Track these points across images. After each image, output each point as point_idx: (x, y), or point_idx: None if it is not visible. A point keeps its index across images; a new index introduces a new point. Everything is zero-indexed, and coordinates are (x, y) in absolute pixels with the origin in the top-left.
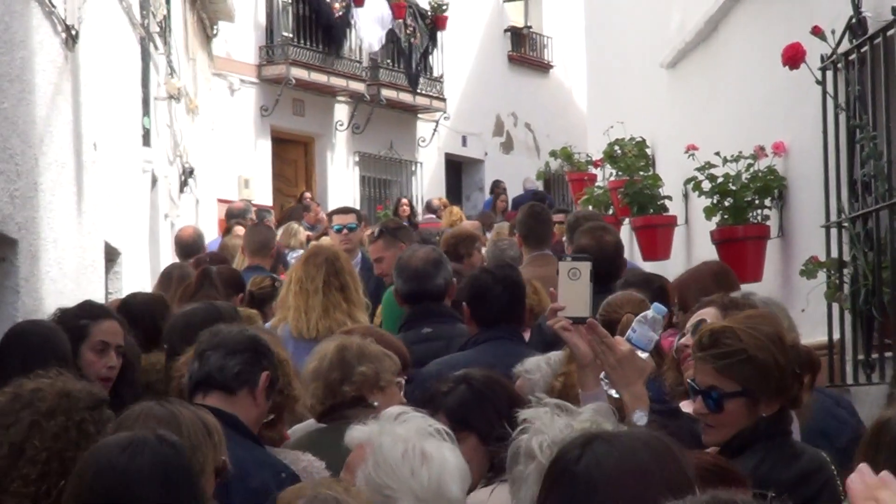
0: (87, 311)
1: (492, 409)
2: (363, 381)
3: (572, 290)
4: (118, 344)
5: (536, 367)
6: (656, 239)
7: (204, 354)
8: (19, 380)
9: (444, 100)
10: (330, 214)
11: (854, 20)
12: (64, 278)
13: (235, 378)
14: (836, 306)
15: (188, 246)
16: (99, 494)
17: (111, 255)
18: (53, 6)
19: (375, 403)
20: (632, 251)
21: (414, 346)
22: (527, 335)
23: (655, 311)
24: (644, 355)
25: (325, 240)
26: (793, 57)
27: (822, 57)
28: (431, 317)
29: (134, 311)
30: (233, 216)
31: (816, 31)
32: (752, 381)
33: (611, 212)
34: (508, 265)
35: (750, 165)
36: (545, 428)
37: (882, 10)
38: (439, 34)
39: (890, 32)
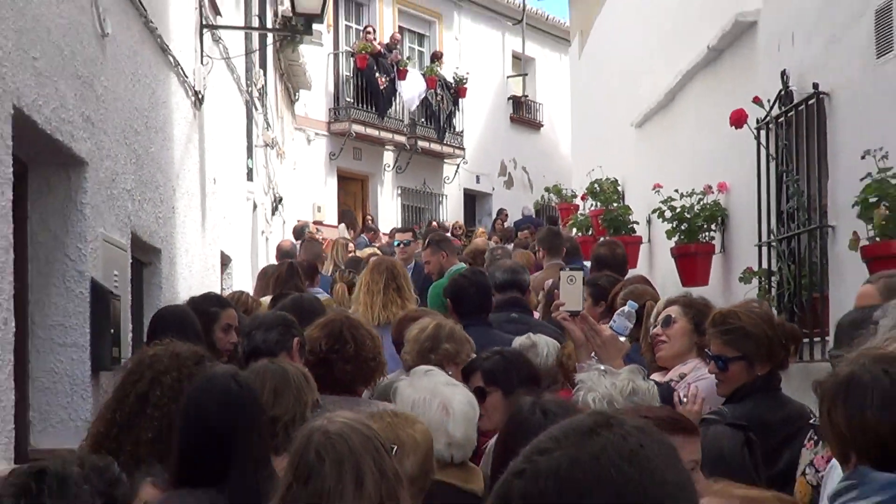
0: (216, 301)
1: (514, 373)
2: (445, 354)
3: (569, 291)
4: (236, 326)
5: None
6: (630, 252)
7: (250, 334)
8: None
9: (463, 149)
10: (392, 232)
11: (783, 92)
12: (192, 277)
13: (275, 346)
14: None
15: (286, 252)
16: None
17: (225, 261)
18: (186, 77)
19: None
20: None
21: (504, 325)
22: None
23: (630, 306)
24: (622, 339)
25: (367, 250)
26: (738, 119)
27: (757, 119)
28: (518, 305)
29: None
30: (298, 234)
31: (756, 101)
32: (748, 349)
33: (591, 233)
34: (479, 271)
35: (700, 199)
36: (596, 386)
37: (805, 85)
38: (460, 100)
39: (811, 101)
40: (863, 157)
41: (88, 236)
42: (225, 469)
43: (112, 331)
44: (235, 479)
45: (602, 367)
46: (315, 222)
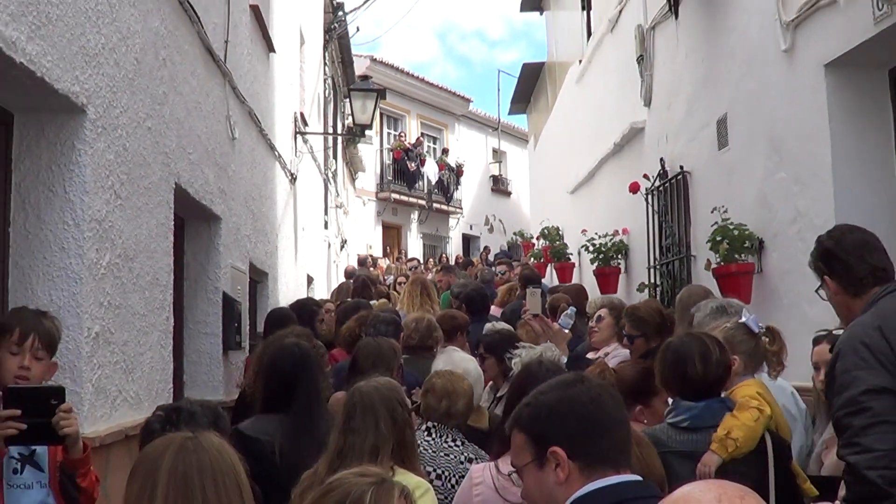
0: (315, 302)
1: (506, 344)
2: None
3: (533, 302)
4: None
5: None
6: (566, 274)
7: (375, 325)
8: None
9: (461, 208)
10: (438, 269)
11: (661, 171)
12: (288, 290)
13: (392, 335)
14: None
15: (349, 273)
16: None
17: (309, 280)
18: (285, 164)
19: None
20: (552, 279)
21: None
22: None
23: (571, 310)
24: (566, 331)
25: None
26: (634, 188)
27: (646, 188)
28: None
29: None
30: (360, 262)
31: (645, 176)
32: (646, 329)
33: (542, 260)
34: (482, 287)
35: (611, 239)
36: (524, 355)
37: (674, 166)
38: (460, 178)
39: (679, 177)
40: (711, 212)
41: (222, 265)
42: (290, 402)
43: (235, 325)
44: (297, 409)
45: (529, 345)
46: (369, 255)
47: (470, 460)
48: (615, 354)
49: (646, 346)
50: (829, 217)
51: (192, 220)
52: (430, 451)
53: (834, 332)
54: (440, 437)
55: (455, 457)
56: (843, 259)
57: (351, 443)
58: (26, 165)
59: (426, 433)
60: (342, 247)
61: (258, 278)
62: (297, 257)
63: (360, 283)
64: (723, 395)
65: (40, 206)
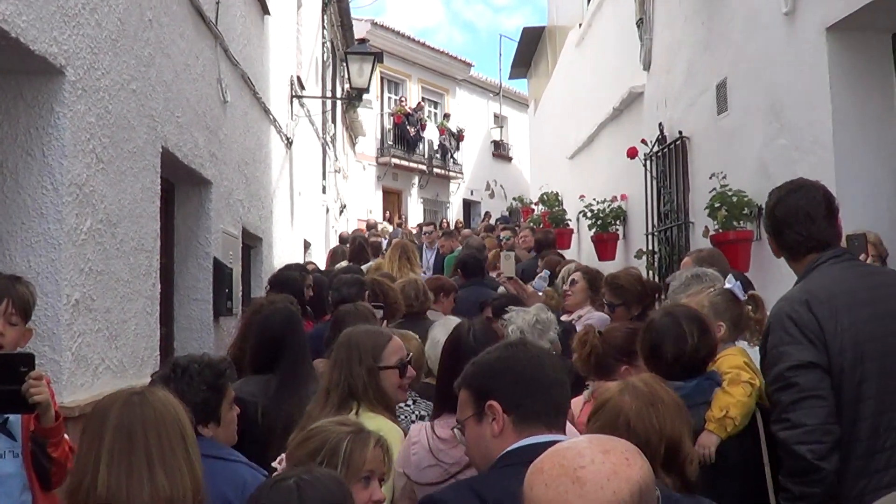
0: (304, 269)
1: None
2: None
3: (507, 264)
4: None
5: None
6: (563, 240)
7: (339, 288)
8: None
9: (462, 174)
10: (419, 225)
11: (659, 136)
12: (283, 256)
13: (355, 296)
14: (650, 272)
15: (343, 239)
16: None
17: (306, 245)
18: (281, 129)
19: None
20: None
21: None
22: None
23: (545, 273)
24: (540, 293)
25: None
26: (632, 153)
27: (644, 154)
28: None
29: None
30: (369, 227)
31: (643, 142)
32: (626, 297)
33: (541, 225)
34: (478, 252)
35: (609, 205)
36: (514, 319)
37: (673, 132)
38: (461, 143)
39: (677, 143)
40: (710, 178)
41: (213, 230)
42: (277, 363)
43: (227, 290)
44: (282, 369)
45: (522, 309)
46: (367, 220)
47: (422, 418)
48: (588, 317)
49: (626, 314)
50: (830, 184)
51: (181, 184)
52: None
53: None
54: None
55: (406, 416)
56: (776, 225)
57: (336, 379)
58: (3, 129)
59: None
60: (341, 212)
61: (252, 243)
62: (293, 222)
63: (357, 246)
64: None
65: (18, 170)
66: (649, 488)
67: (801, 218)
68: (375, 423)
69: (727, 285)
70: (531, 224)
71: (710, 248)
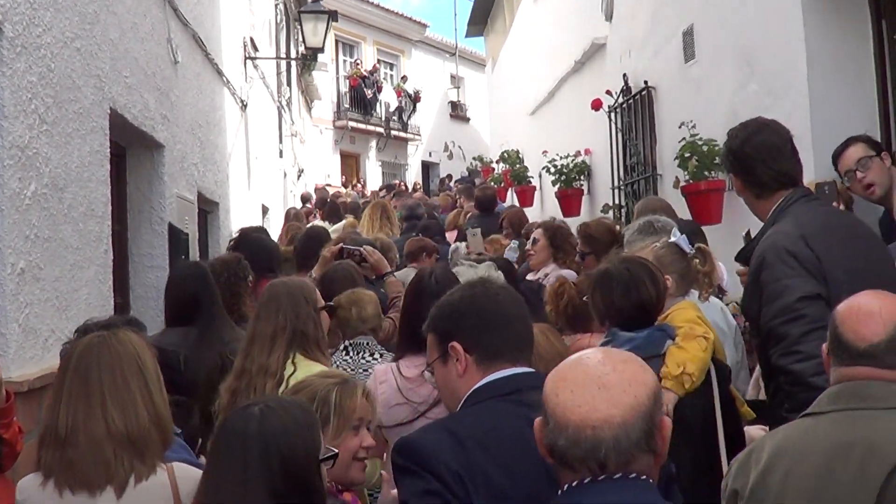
0: (263, 230)
1: None
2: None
3: (475, 241)
4: None
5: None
6: (526, 197)
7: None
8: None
9: (420, 135)
10: (379, 188)
11: (624, 87)
12: (241, 220)
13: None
14: (617, 226)
15: (304, 198)
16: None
17: (264, 211)
18: (235, 91)
19: None
20: (513, 200)
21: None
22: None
23: (514, 244)
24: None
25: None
26: (596, 105)
27: (608, 106)
28: None
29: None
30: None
31: (608, 93)
32: (596, 247)
33: (502, 184)
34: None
35: (573, 160)
36: (464, 273)
37: (638, 82)
38: (418, 104)
39: (643, 93)
40: (679, 127)
41: (166, 194)
42: (194, 315)
43: (183, 256)
44: (201, 320)
45: (471, 262)
46: (326, 184)
47: None
48: (553, 275)
49: (596, 263)
50: (806, 131)
51: (133, 147)
52: (349, 369)
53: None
54: (357, 354)
55: (372, 372)
56: (746, 161)
57: (259, 329)
58: None
59: (344, 352)
60: (299, 176)
61: (208, 208)
62: (250, 187)
63: (332, 206)
64: (658, 319)
65: None
66: (660, 393)
67: (773, 153)
68: (317, 368)
69: (672, 238)
70: (491, 183)
71: (655, 198)
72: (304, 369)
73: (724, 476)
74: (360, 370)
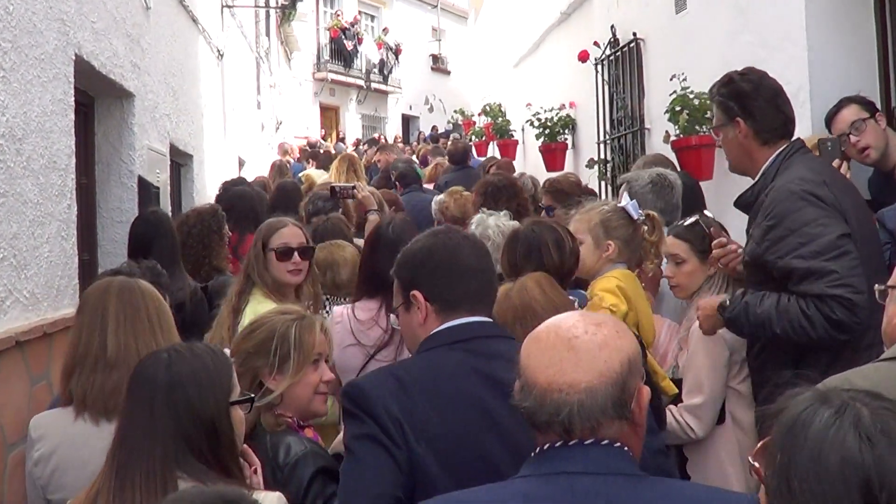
0: (243, 181)
1: None
2: None
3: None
4: None
5: None
6: (509, 150)
7: (315, 202)
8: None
9: (400, 88)
10: (357, 141)
11: (612, 39)
12: (216, 173)
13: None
14: (602, 181)
15: (285, 150)
16: None
17: (241, 163)
18: (210, 39)
19: None
20: (495, 153)
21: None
22: None
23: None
24: None
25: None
26: (583, 57)
27: (595, 58)
28: None
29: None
30: (310, 145)
31: (595, 44)
32: (563, 201)
33: (483, 138)
34: (413, 163)
35: (557, 113)
36: (482, 222)
37: (626, 33)
38: (399, 57)
39: (631, 45)
40: (670, 80)
41: (136, 146)
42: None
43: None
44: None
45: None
46: (304, 136)
47: None
48: None
49: (565, 217)
50: (803, 84)
51: (102, 97)
52: None
53: (700, 220)
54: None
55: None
56: (760, 105)
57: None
58: None
59: (324, 309)
60: (277, 128)
61: (182, 161)
62: (225, 138)
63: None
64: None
65: None
66: (637, 360)
67: (782, 98)
68: (265, 307)
69: (621, 203)
70: (472, 136)
71: (656, 154)
72: (253, 306)
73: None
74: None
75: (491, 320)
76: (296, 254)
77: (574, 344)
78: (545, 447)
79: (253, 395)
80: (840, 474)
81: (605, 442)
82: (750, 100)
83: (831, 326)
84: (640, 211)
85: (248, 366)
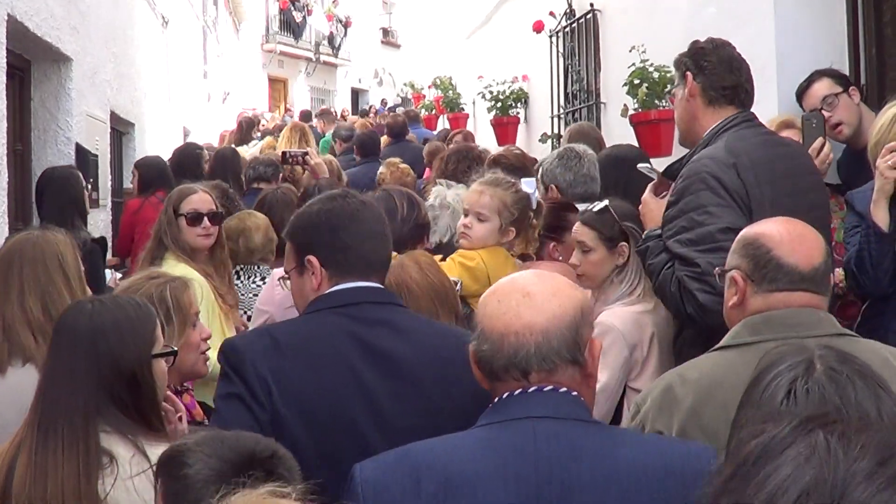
0: (198, 147)
1: None
2: None
3: None
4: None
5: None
6: (459, 124)
7: (255, 167)
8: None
9: (349, 61)
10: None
11: (568, 9)
12: (160, 142)
13: (271, 175)
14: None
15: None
16: None
17: (186, 133)
18: (154, 4)
19: None
20: (445, 127)
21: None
22: None
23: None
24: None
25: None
26: (538, 27)
27: (550, 30)
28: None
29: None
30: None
31: (551, 14)
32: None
33: (433, 111)
34: (374, 133)
35: (510, 86)
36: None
37: (583, 4)
38: (348, 29)
39: (588, 16)
40: (630, 51)
41: (74, 112)
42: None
43: (91, 180)
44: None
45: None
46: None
47: None
48: None
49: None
50: (770, 59)
51: (38, 61)
52: (240, 294)
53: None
54: (248, 278)
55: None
56: (712, 61)
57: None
58: None
59: (235, 276)
60: (224, 99)
61: (123, 129)
62: (169, 108)
63: (247, 127)
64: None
65: None
66: (588, 311)
67: (739, 64)
68: (179, 269)
69: (526, 189)
70: (422, 110)
71: (588, 124)
72: (168, 269)
73: (630, 421)
74: (250, 295)
75: (381, 286)
76: (206, 219)
77: (529, 290)
78: (504, 396)
79: (176, 349)
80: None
81: (564, 389)
82: (704, 55)
83: (686, 313)
84: (537, 198)
85: None
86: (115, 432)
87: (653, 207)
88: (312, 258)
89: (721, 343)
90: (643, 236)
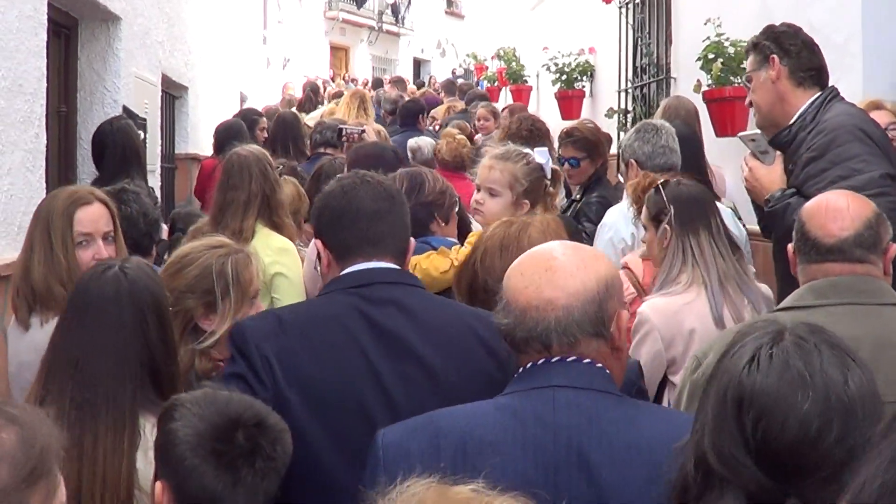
0: (257, 113)
1: None
2: None
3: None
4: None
5: None
6: (522, 97)
7: (322, 132)
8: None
9: (412, 30)
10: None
11: None
12: (214, 108)
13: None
14: (622, 132)
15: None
16: None
17: (243, 99)
18: None
19: None
20: (508, 99)
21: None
22: None
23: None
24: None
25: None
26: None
27: (619, 0)
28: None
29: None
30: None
31: None
32: (590, 149)
33: (496, 83)
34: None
35: (576, 58)
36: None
37: None
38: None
39: None
40: (705, 24)
41: (122, 74)
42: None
43: None
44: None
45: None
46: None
47: None
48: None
49: (592, 166)
50: (855, 32)
51: (86, 20)
52: None
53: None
54: None
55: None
56: (797, 44)
57: (230, 198)
58: None
59: None
60: (284, 66)
61: (176, 93)
62: (226, 73)
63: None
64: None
65: None
66: (616, 284)
67: (819, 50)
68: (268, 240)
69: (538, 159)
70: (485, 81)
71: (687, 99)
72: (262, 239)
73: (690, 374)
74: None
75: (393, 266)
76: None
77: (552, 265)
78: (528, 366)
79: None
80: (723, 390)
81: (587, 361)
82: (787, 38)
83: None
84: (551, 166)
85: (180, 306)
86: (143, 403)
87: (764, 172)
88: (319, 241)
89: (783, 304)
90: (771, 198)
